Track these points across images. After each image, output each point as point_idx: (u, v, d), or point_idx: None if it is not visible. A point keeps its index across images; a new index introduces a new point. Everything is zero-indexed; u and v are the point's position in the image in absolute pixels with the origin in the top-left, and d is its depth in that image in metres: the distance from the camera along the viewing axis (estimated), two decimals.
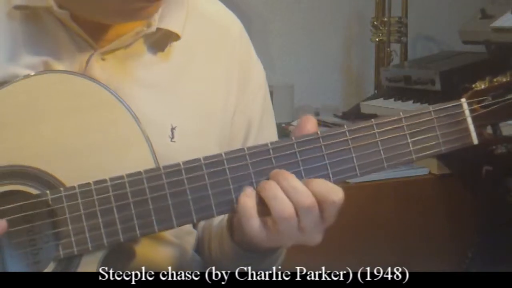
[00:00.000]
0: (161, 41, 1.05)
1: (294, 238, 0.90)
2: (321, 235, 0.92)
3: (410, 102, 2.12)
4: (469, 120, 0.97)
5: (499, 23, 2.02)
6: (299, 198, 0.88)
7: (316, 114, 2.48)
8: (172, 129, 1.02)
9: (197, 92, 1.07)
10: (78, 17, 1.00)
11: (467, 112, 0.97)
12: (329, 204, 0.88)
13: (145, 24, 1.02)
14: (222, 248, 1.03)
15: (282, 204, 0.88)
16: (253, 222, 0.89)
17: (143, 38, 1.03)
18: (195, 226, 1.13)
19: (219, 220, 1.07)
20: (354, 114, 2.26)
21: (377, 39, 2.53)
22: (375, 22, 2.53)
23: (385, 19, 2.50)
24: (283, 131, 2.21)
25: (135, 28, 1.02)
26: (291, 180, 0.89)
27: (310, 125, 0.93)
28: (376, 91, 2.50)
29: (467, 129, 0.97)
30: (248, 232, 0.90)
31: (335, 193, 0.89)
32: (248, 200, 0.90)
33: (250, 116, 1.13)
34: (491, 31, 2.02)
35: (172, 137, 1.02)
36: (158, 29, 1.02)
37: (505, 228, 1.92)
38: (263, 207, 0.89)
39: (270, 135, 1.16)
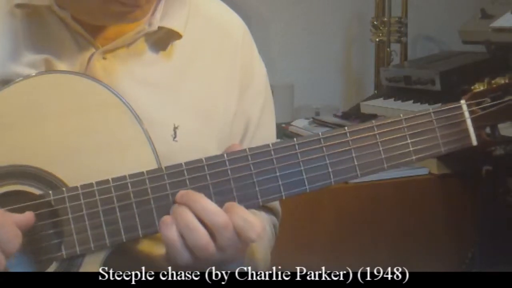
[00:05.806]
0: (163, 40, 1.05)
1: (214, 260, 0.89)
2: (242, 254, 0.92)
3: (410, 102, 2.12)
4: (469, 122, 0.98)
5: (499, 23, 2.01)
6: (212, 218, 0.88)
7: (316, 114, 2.48)
8: (175, 128, 1.02)
9: (198, 91, 1.07)
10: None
11: (466, 114, 0.98)
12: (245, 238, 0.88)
13: (147, 22, 1.02)
14: None
15: (196, 234, 0.87)
16: (181, 256, 0.88)
17: (145, 37, 1.03)
18: None
19: None
20: (354, 114, 2.25)
21: (377, 39, 2.53)
22: (375, 22, 2.53)
23: (385, 19, 2.50)
24: (283, 131, 2.21)
25: (137, 27, 1.02)
26: (202, 201, 0.89)
27: None
28: (376, 91, 2.49)
29: (466, 131, 0.98)
30: (177, 262, 0.89)
31: (252, 230, 0.88)
32: (170, 232, 0.88)
33: (249, 117, 1.12)
34: (491, 31, 2.02)
35: (175, 137, 1.02)
36: (159, 28, 1.02)
37: (505, 228, 1.92)
38: None
39: (267, 133, 1.16)
